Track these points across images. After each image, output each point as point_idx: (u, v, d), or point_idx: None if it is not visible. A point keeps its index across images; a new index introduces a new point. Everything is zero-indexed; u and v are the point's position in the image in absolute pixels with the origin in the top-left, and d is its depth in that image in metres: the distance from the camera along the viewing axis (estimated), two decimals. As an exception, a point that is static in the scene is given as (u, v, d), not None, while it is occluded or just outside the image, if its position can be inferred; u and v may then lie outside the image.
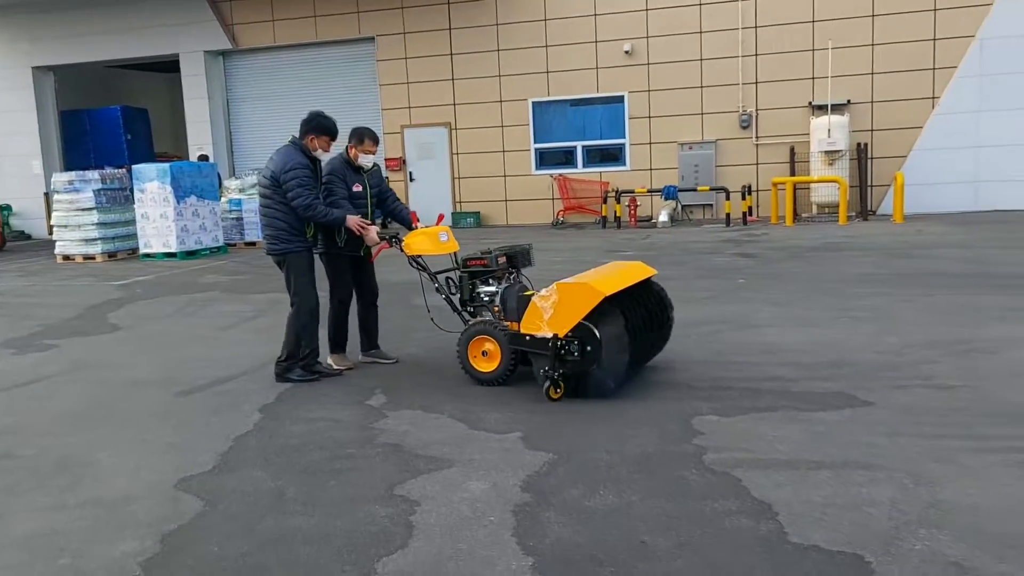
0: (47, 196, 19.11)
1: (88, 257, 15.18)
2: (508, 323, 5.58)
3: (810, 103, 16.97)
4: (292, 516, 3.68)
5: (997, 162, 16.27)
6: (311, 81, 19.93)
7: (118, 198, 15.56)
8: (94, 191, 15.06)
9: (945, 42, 16.26)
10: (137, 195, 15.00)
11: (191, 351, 7.32)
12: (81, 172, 15.73)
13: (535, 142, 18.89)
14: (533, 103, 18.73)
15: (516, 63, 18.60)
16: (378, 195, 6.42)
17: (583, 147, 18.74)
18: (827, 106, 16.40)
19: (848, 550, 3.08)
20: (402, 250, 6.03)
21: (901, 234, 13.26)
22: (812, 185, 16.41)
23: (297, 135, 6.00)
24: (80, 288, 11.69)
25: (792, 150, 17.09)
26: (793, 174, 16.80)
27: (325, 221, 5.90)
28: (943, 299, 7.82)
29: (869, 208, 16.53)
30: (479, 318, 5.84)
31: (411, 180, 19.65)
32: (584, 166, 18.73)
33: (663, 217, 17.10)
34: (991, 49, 16.03)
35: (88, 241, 15.18)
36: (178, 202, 14.74)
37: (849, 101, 16.71)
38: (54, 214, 15.54)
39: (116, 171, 16.00)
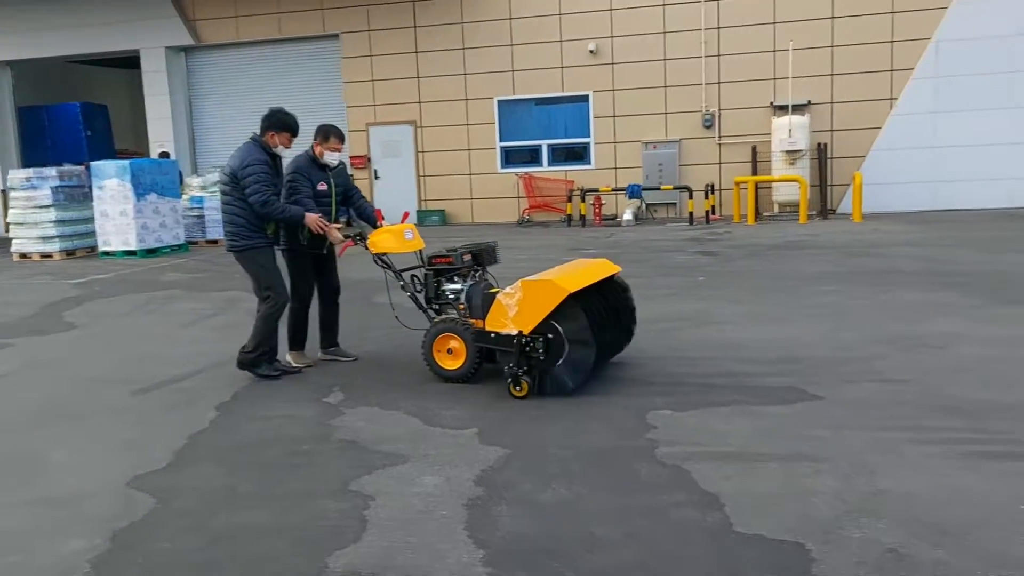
0: (3, 193, 18.76)
1: (46, 255, 14.93)
2: (473, 321, 5.60)
3: (771, 103, 17.20)
4: (245, 512, 3.69)
5: (953, 162, 16.61)
6: (275, 78, 19.80)
7: (77, 195, 15.33)
8: (52, 188, 14.82)
9: (902, 44, 16.58)
10: (96, 192, 14.79)
11: (149, 349, 7.26)
12: (39, 169, 15.44)
13: (501, 140, 18.94)
14: (499, 102, 18.78)
15: (481, 62, 18.63)
16: (343, 193, 6.42)
17: (548, 146, 18.82)
18: (788, 106, 16.64)
19: (790, 539, 3.16)
20: (367, 248, 6.04)
21: (859, 233, 13.50)
22: (774, 184, 16.64)
23: (258, 132, 5.99)
24: (37, 286, 11.51)
25: (754, 150, 17.32)
26: (755, 173, 17.03)
27: (282, 218, 5.89)
28: (896, 296, 7.99)
29: (829, 207, 16.80)
30: (444, 316, 5.87)
31: (376, 178, 19.60)
32: (549, 165, 18.81)
33: (627, 216, 17.24)
34: (947, 51, 16.37)
35: (46, 239, 14.94)
36: (138, 199, 14.56)
37: (809, 102, 16.97)
38: (10, 211, 15.25)
39: (75, 168, 15.75)
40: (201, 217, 16.57)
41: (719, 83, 17.53)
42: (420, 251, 6.15)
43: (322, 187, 6.21)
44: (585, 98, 18.32)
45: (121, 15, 20.04)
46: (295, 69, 19.87)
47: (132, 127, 23.93)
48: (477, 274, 6.09)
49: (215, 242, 16.12)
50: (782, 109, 16.83)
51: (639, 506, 3.55)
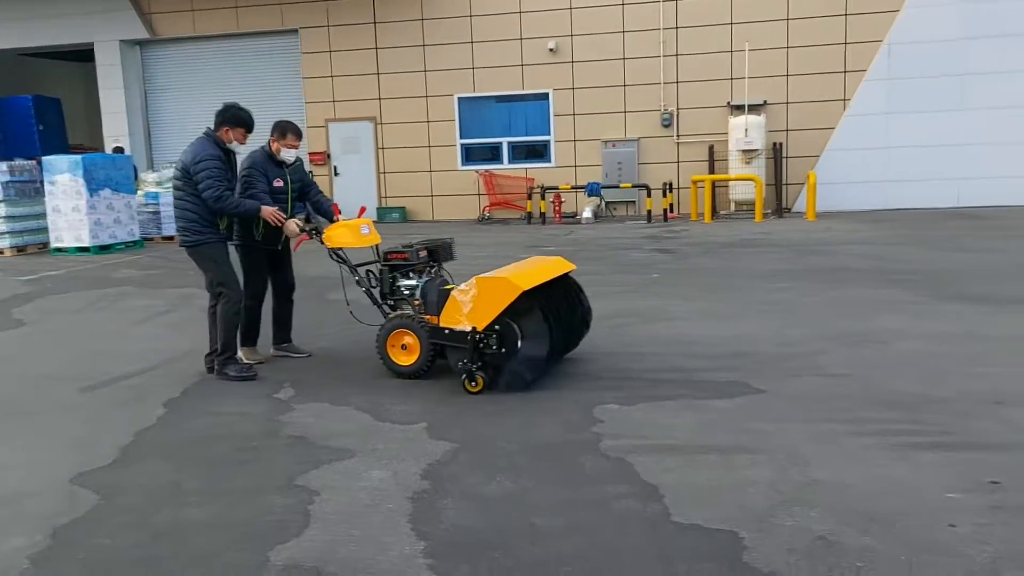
0: (-48, 188, 18.31)
1: (-5, 251, 14.65)
2: (428, 317, 5.63)
3: (729, 103, 17.42)
4: (189, 508, 3.68)
5: (905, 163, 16.96)
6: (233, 73, 19.59)
7: (28, 190, 15.04)
8: (2, 183, 14.51)
9: (855, 46, 16.89)
10: (48, 188, 14.52)
11: (100, 346, 7.18)
12: (-12, 163, 15.15)
13: (461, 138, 18.95)
14: (459, 99, 18.78)
15: (442, 58, 18.62)
16: (300, 189, 6.39)
17: (509, 143, 18.87)
18: (744, 106, 16.88)
19: (725, 528, 3.25)
20: (322, 242, 6.02)
21: (812, 231, 13.74)
22: (730, 183, 16.87)
23: (212, 127, 5.95)
24: (-14, 283, 11.30)
25: (711, 149, 17.53)
26: (712, 172, 17.25)
27: (237, 212, 5.87)
28: (845, 293, 8.17)
29: (784, 206, 17.06)
30: (399, 311, 5.89)
31: (336, 175, 19.50)
32: (510, 162, 18.86)
33: (587, 213, 17.35)
34: (899, 54, 16.70)
35: (-5, 235, 14.65)
36: (91, 195, 14.33)
37: (765, 102, 17.22)
38: (-41, 206, 14.92)
39: (26, 163, 15.43)
40: (156, 213, 16.33)
41: (677, 83, 17.71)
42: (376, 246, 6.15)
43: (278, 183, 6.19)
44: (545, 96, 18.40)
45: (74, 7, 19.70)
46: (253, 64, 19.69)
47: (86, 121, 23.48)
48: (433, 270, 6.12)
49: (171, 238, 15.88)
50: (739, 109, 17.05)
51: (582, 498, 3.61)
